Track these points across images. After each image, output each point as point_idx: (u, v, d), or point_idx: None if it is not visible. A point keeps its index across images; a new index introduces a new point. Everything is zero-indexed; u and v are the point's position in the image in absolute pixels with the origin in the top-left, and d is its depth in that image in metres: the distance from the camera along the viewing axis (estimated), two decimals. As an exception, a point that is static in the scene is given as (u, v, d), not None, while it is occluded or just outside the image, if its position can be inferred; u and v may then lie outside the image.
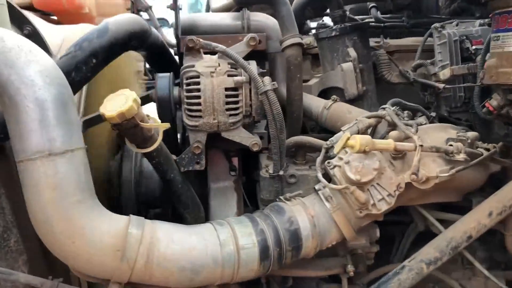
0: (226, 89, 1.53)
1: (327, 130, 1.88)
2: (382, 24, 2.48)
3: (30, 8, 2.48)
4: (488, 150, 1.60)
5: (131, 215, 1.41)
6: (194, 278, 1.38)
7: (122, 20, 1.58)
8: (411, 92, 2.05)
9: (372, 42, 2.24)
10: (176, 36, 1.65)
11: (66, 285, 1.52)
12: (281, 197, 1.62)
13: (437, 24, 2.00)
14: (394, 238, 2.07)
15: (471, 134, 1.62)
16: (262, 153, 1.84)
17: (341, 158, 1.54)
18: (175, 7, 1.63)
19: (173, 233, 1.41)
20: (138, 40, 1.61)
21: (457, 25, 2.02)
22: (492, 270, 1.84)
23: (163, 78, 1.61)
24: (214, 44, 1.55)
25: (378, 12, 2.65)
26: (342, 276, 1.78)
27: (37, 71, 1.25)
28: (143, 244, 1.33)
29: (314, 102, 1.84)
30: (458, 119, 1.97)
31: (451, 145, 1.52)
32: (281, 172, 1.64)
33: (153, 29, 1.81)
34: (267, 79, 1.54)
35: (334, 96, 1.78)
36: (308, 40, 1.72)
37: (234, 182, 1.90)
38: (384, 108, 1.61)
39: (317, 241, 1.54)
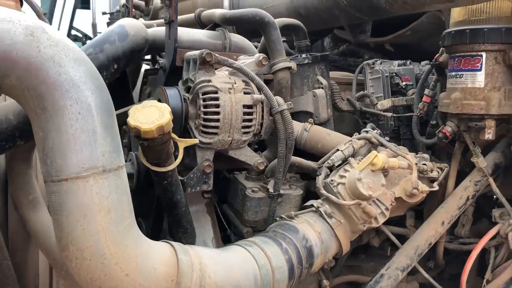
0: (244, 106, 1.50)
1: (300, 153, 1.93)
2: None
3: None
4: (440, 168, 1.90)
5: (167, 240, 1.26)
6: (239, 302, 1.30)
7: (136, 24, 1.41)
8: (344, 119, 2.29)
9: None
10: (174, 50, 1.54)
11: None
12: (283, 216, 1.63)
13: (369, 61, 2.29)
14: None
15: (426, 155, 1.90)
16: (234, 174, 1.82)
17: (341, 177, 1.64)
18: (174, 18, 1.53)
19: (215, 257, 1.30)
20: (148, 47, 1.46)
21: (381, 63, 2.34)
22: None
23: (173, 90, 1.48)
24: (230, 60, 1.50)
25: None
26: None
27: (86, 72, 1.06)
28: (195, 271, 1.21)
29: (290, 124, 1.91)
30: (387, 143, 2.26)
31: (424, 164, 1.76)
32: (281, 191, 1.65)
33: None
34: (280, 99, 1.56)
35: (311, 119, 1.88)
36: (293, 64, 1.79)
37: (206, 205, 1.83)
38: (366, 131, 1.77)
39: (324, 257, 1.60)
